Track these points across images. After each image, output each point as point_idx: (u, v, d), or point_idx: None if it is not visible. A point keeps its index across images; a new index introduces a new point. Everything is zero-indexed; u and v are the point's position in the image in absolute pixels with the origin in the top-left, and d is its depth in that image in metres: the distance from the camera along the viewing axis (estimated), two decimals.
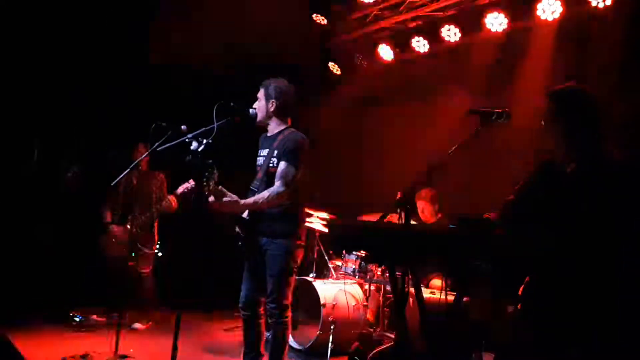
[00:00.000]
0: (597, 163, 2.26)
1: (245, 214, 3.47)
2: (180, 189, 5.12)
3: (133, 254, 5.16)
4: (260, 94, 3.50)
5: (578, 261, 1.90)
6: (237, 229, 3.42)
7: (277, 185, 3.28)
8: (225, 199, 3.16)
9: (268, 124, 3.52)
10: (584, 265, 1.98)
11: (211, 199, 3.13)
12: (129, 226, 5.22)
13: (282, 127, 3.49)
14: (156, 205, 5.28)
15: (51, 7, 5.48)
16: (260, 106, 3.50)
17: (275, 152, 3.38)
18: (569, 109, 2.31)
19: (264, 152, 3.50)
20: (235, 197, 3.18)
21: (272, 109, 3.45)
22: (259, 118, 3.49)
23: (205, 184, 2.99)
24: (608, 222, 2.12)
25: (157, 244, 5.69)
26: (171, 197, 5.20)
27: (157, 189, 5.40)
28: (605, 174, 2.22)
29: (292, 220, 3.39)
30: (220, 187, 3.08)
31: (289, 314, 3.40)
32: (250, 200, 3.28)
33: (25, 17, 5.40)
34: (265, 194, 3.28)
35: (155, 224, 5.43)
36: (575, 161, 2.31)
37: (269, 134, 3.53)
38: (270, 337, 3.44)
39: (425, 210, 5.06)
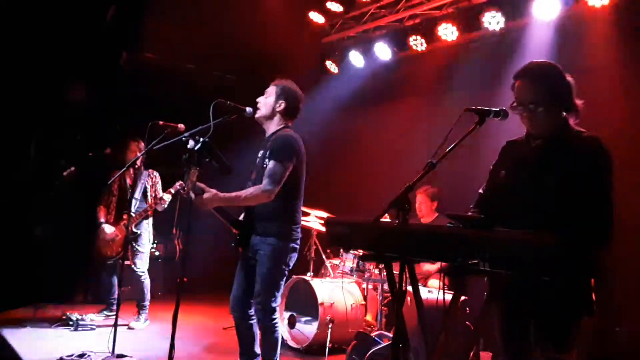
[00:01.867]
0: (564, 137, 2.27)
1: (241, 216, 3.46)
2: (174, 187, 5.12)
3: (128, 253, 5.15)
4: (271, 90, 3.46)
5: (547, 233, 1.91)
6: (233, 230, 3.40)
7: (265, 183, 3.24)
8: (205, 195, 3.12)
9: (268, 123, 3.47)
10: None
11: (192, 195, 3.08)
12: (123, 225, 5.20)
13: (279, 128, 3.45)
14: (151, 203, 5.27)
15: (47, 7, 5.45)
16: (266, 102, 3.45)
17: (268, 152, 3.35)
18: (539, 87, 2.29)
19: (260, 153, 3.47)
20: (213, 191, 3.14)
21: (279, 109, 3.42)
22: (262, 113, 3.43)
23: (185, 182, 2.99)
24: (573, 194, 2.12)
25: (154, 242, 5.68)
26: (164, 195, 5.20)
27: (152, 188, 5.39)
28: (572, 147, 2.22)
29: (286, 220, 3.33)
30: (197, 183, 3.05)
31: (277, 316, 3.33)
32: (232, 194, 3.23)
33: (22, 17, 5.38)
34: (250, 189, 3.26)
35: (150, 223, 5.42)
36: (542, 138, 2.31)
37: (267, 135, 3.50)
38: (260, 339, 3.40)
39: (423, 205, 5.06)
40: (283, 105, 3.42)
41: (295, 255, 3.40)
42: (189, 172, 2.98)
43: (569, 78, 2.34)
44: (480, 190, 2.57)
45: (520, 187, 2.33)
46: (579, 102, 2.35)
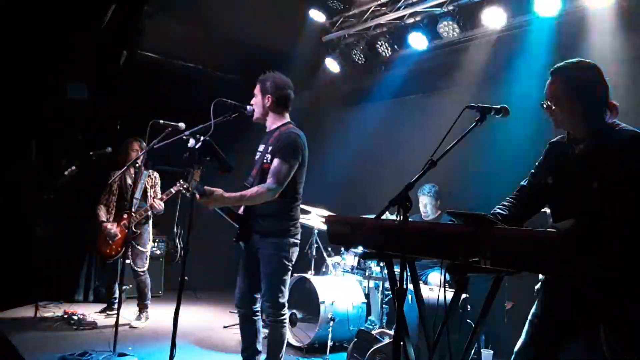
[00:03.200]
0: (607, 139, 2.20)
1: (240, 210, 3.45)
2: (174, 188, 5.11)
3: (129, 252, 5.15)
4: (257, 89, 3.46)
5: (598, 241, 1.87)
6: (233, 224, 3.39)
7: (269, 182, 3.23)
8: (210, 195, 3.10)
9: (267, 120, 3.47)
10: (604, 243, 1.96)
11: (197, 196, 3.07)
12: (123, 224, 5.20)
13: (280, 123, 3.44)
14: (151, 203, 5.27)
15: (47, 6, 5.45)
16: (256, 102, 3.45)
17: (270, 148, 3.33)
18: (554, 86, 2.26)
19: (261, 147, 3.46)
20: (220, 191, 3.13)
21: (268, 105, 3.41)
22: (256, 115, 3.45)
23: (187, 182, 2.98)
24: (622, 197, 2.07)
25: (155, 241, 5.68)
26: (161, 197, 5.20)
27: (151, 187, 5.38)
28: (616, 148, 2.16)
29: (285, 218, 3.33)
30: (200, 184, 3.03)
31: (286, 311, 3.35)
32: (237, 194, 3.22)
33: (22, 16, 5.37)
34: (254, 189, 3.24)
35: (150, 222, 5.41)
36: (584, 142, 2.26)
37: (267, 130, 3.49)
38: (268, 334, 3.42)
39: (428, 206, 5.08)
40: (271, 99, 3.41)
41: (296, 250, 3.40)
42: (191, 171, 2.97)
43: (592, 77, 2.25)
44: (523, 183, 2.50)
45: (568, 192, 2.28)
46: (613, 102, 2.26)
